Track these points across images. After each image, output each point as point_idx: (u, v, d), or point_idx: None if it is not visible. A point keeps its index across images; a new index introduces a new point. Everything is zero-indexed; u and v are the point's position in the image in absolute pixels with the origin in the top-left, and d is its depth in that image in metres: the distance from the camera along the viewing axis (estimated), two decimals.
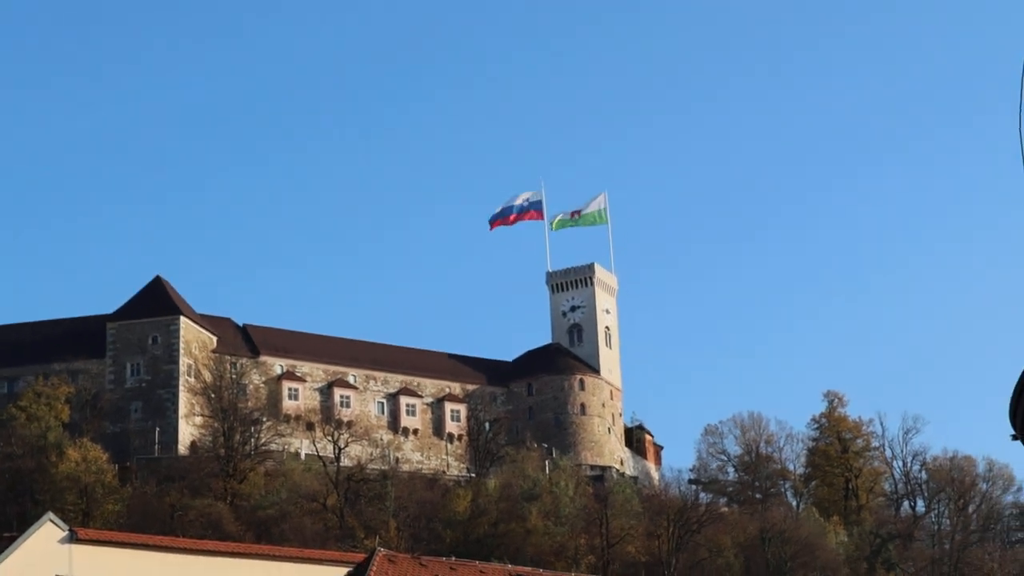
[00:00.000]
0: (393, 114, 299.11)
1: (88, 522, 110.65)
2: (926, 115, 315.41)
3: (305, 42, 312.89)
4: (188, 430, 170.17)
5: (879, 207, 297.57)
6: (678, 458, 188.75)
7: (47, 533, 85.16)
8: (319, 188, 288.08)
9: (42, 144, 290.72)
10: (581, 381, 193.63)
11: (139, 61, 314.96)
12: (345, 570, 77.92)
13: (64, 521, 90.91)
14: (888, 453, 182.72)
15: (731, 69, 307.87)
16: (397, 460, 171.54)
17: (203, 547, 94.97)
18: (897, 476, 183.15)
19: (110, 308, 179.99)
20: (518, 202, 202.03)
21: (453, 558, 74.03)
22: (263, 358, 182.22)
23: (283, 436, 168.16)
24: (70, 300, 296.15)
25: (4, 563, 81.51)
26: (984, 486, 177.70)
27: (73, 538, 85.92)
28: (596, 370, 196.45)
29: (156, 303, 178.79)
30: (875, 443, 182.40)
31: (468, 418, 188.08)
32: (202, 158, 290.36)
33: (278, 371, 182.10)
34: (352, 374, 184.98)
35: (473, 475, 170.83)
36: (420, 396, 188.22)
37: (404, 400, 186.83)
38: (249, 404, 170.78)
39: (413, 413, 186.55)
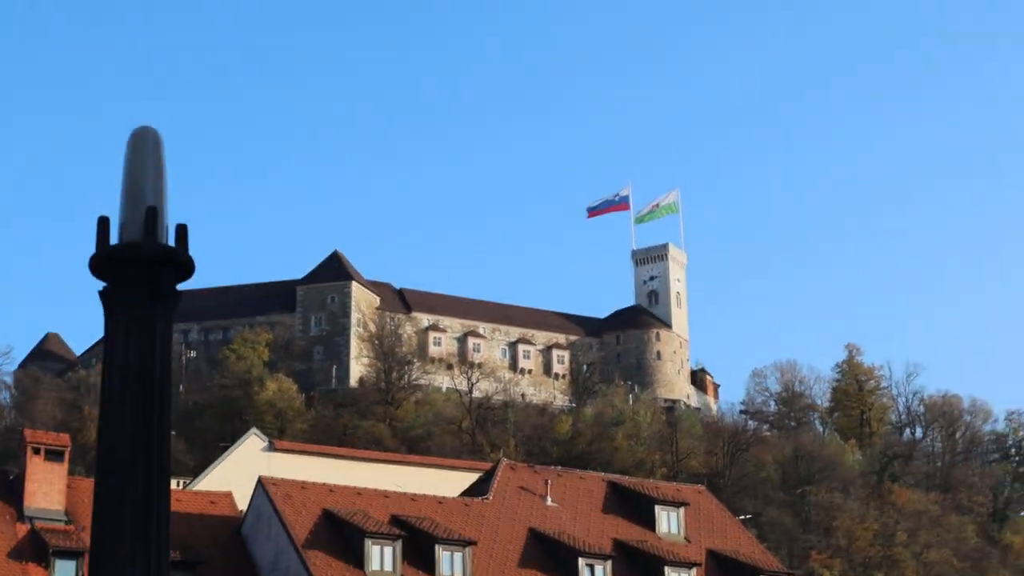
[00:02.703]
0: (521, 121, 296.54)
1: (282, 437, 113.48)
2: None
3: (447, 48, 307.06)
4: (357, 368, 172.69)
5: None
6: (732, 394, 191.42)
7: (252, 444, 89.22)
8: (458, 181, 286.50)
9: (252, 140, 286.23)
10: (657, 334, 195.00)
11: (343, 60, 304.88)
12: (477, 475, 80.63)
13: (264, 435, 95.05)
14: (894, 391, 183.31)
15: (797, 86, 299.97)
16: (516, 393, 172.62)
17: (367, 456, 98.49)
18: (900, 410, 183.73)
19: (299, 275, 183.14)
20: (613, 196, 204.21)
21: (559, 467, 76.39)
22: (414, 314, 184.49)
23: (429, 374, 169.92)
24: (269, 267, 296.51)
25: (221, 464, 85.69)
26: (968, 418, 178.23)
27: (271, 448, 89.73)
28: (669, 325, 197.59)
29: (334, 271, 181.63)
30: (884, 384, 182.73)
31: (570, 361, 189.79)
32: (367, 155, 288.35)
33: (425, 324, 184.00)
34: (482, 327, 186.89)
35: (573, 405, 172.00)
36: (533, 344, 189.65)
37: (521, 347, 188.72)
38: (403, 349, 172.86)
39: (528, 357, 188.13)
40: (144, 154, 6.77)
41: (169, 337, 6.56)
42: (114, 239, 6.57)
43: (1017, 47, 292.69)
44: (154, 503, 6.23)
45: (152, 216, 6.52)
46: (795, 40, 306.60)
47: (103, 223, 6.56)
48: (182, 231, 6.67)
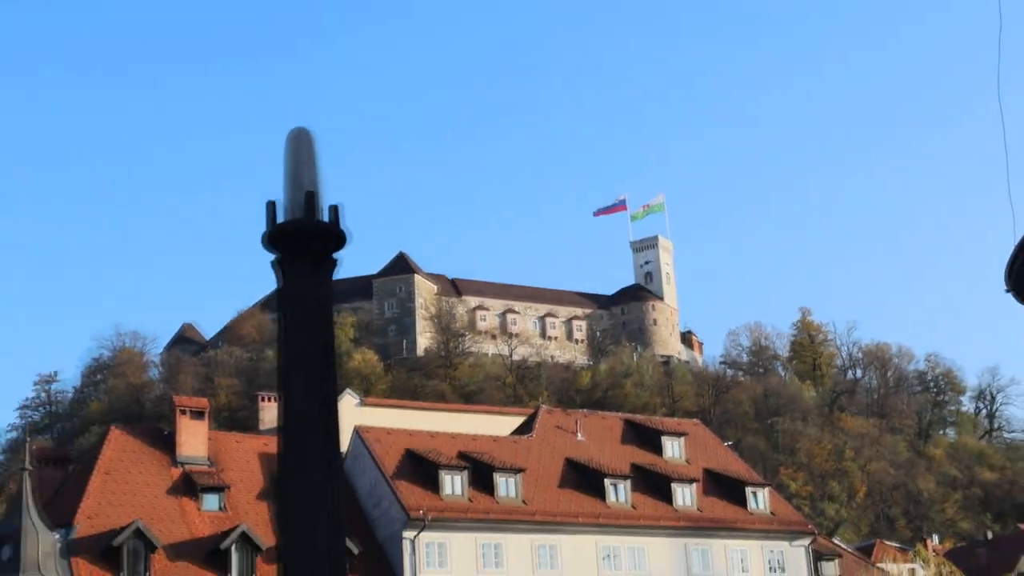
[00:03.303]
0: (542, 121, 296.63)
1: (367, 396, 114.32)
2: None
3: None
4: (422, 341, 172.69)
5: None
6: (713, 349, 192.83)
7: (347, 401, 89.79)
8: (492, 187, 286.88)
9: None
10: (653, 305, 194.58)
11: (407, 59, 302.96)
12: (519, 419, 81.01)
13: (356, 394, 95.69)
14: (838, 342, 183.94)
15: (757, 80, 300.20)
16: (546, 355, 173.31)
17: (435, 407, 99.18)
18: (844, 356, 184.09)
19: (375, 270, 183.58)
20: (615, 201, 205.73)
21: (584, 410, 76.69)
22: (464, 297, 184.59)
23: (478, 343, 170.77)
24: (353, 265, 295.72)
25: None
26: (896, 360, 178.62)
27: (362, 403, 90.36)
28: (661, 298, 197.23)
29: (401, 267, 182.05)
30: (830, 337, 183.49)
31: (587, 329, 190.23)
32: (419, 166, 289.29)
33: (473, 305, 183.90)
34: (517, 305, 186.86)
35: (591, 363, 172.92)
36: (557, 317, 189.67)
37: (548, 319, 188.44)
38: (457, 325, 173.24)
39: (554, 327, 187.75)
40: (302, 149, 6.89)
41: (330, 294, 6.74)
42: (280, 219, 6.69)
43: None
44: (327, 417, 6.35)
45: (311, 199, 6.69)
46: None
47: (271, 206, 6.72)
48: (335, 210, 6.81)
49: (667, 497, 58.89)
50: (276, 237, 6.65)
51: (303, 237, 6.62)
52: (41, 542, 45.58)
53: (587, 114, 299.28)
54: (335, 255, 6.79)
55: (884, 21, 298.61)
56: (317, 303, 6.61)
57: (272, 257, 6.73)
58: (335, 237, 6.73)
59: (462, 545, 53.04)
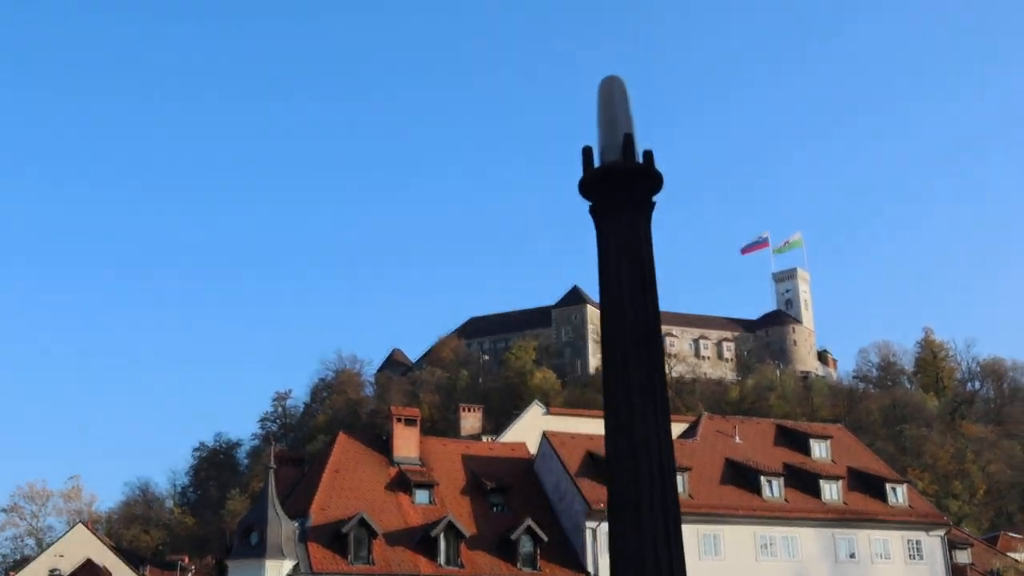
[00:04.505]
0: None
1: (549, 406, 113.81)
2: None
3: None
4: (594, 362, 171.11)
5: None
6: (846, 365, 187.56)
7: (535, 410, 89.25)
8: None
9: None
10: (792, 328, 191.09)
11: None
12: (682, 426, 79.48)
13: (542, 405, 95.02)
14: (958, 358, 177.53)
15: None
16: (700, 372, 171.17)
17: (602, 415, 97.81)
18: (963, 370, 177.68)
19: (552, 301, 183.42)
20: (757, 238, 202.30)
21: (740, 416, 74.92)
22: None
23: None
24: (533, 297, 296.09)
25: (516, 425, 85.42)
26: (1011, 373, 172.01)
27: (547, 412, 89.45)
28: (800, 322, 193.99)
29: (575, 299, 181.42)
30: (951, 352, 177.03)
31: (735, 349, 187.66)
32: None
33: None
34: (674, 329, 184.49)
35: (739, 378, 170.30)
36: (709, 338, 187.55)
37: (701, 341, 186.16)
38: None
39: (706, 348, 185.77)
40: (615, 94, 5.96)
41: (649, 237, 5.69)
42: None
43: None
44: (654, 364, 5.42)
45: (629, 141, 5.71)
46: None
47: (587, 152, 5.78)
48: (648, 155, 5.82)
49: (816, 492, 56.92)
50: (595, 180, 5.75)
51: (625, 178, 5.69)
52: (283, 530, 45.80)
53: (729, 156, 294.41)
54: (653, 199, 5.83)
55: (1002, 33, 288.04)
56: (640, 246, 5.64)
57: (589, 205, 5.86)
58: (654, 179, 5.79)
59: None
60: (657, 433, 5.36)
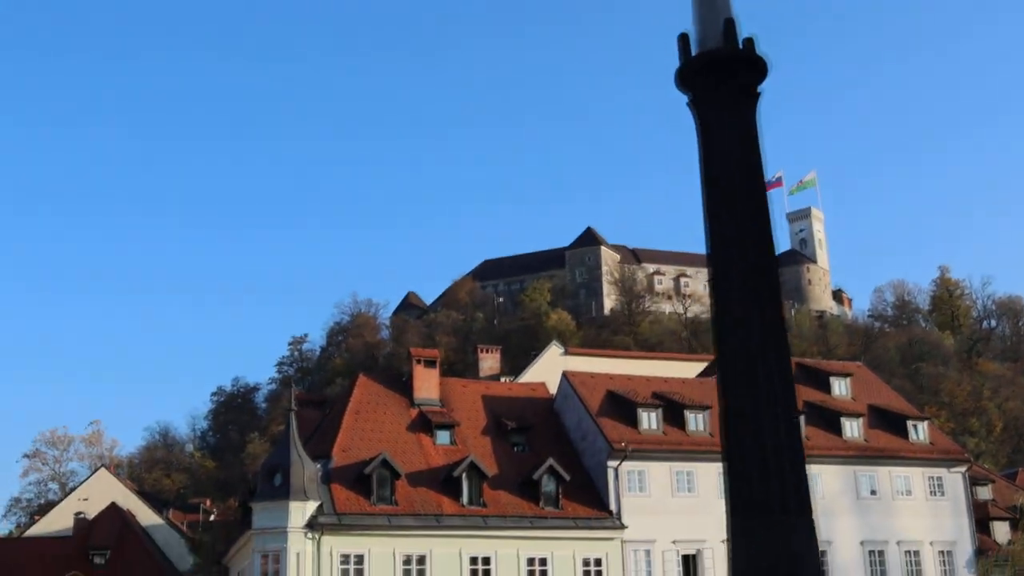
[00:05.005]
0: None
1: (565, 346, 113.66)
2: None
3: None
4: (608, 303, 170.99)
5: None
6: (861, 304, 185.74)
7: (553, 350, 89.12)
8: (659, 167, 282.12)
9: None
10: (807, 268, 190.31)
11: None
12: (700, 365, 79.41)
13: (561, 345, 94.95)
14: (974, 296, 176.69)
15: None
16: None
17: (626, 355, 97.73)
18: (979, 308, 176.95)
19: (566, 243, 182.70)
20: (771, 178, 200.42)
21: None
22: (644, 264, 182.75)
23: (656, 303, 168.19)
24: (548, 239, 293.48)
25: (535, 365, 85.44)
26: None
27: (566, 352, 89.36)
28: (815, 261, 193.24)
29: (589, 240, 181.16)
30: (966, 291, 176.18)
31: None
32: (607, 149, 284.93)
33: (651, 270, 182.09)
34: (688, 270, 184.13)
35: None
36: None
37: None
38: (637, 288, 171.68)
39: None
40: None
41: (755, 129, 5.11)
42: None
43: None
44: (765, 263, 4.94)
45: (731, 25, 5.16)
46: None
47: (683, 38, 5.20)
48: (750, 42, 5.24)
49: (837, 430, 56.72)
50: (694, 68, 5.19)
51: (727, 65, 5.16)
52: (306, 471, 45.83)
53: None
54: (759, 89, 5.27)
55: None
56: (746, 137, 5.10)
57: (687, 98, 5.30)
58: (758, 66, 5.24)
59: (658, 472, 51.87)
60: (781, 372, 4.81)
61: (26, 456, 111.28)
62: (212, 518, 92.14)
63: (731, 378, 5.08)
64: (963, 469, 58.54)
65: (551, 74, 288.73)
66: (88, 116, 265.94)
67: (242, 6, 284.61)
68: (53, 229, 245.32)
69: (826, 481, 54.41)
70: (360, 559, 45.79)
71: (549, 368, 75.97)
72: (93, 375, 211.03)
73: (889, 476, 56.40)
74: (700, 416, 53.94)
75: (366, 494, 47.20)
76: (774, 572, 4.50)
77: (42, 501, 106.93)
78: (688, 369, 77.51)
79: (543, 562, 48.52)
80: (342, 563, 45.46)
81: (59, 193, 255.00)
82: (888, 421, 59.14)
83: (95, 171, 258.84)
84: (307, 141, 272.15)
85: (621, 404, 54.18)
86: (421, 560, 46.70)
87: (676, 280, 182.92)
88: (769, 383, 4.82)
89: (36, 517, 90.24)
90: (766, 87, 5.11)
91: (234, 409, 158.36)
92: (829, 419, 56.99)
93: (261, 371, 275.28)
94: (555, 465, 50.02)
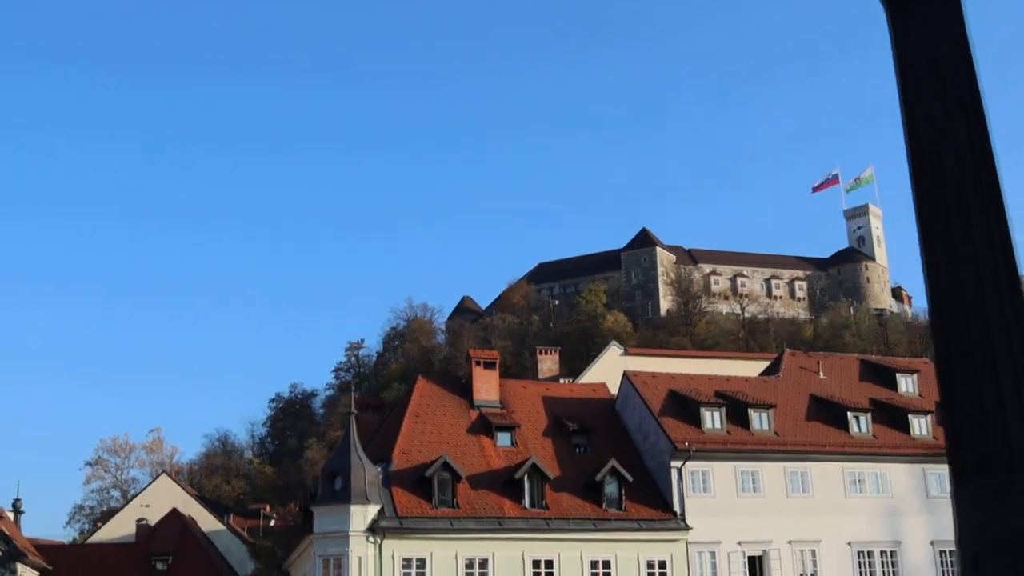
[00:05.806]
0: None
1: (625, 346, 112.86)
2: None
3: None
4: (664, 304, 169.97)
5: None
6: (922, 301, 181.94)
7: (612, 351, 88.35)
8: (716, 162, 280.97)
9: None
10: (866, 265, 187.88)
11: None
12: (761, 364, 78.17)
13: (620, 345, 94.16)
14: None
15: None
16: (773, 312, 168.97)
17: (686, 354, 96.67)
18: None
19: (621, 244, 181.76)
20: (827, 176, 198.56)
21: (824, 352, 73.22)
22: (700, 265, 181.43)
23: (712, 304, 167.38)
24: (603, 241, 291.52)
25: (597, 365, 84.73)
26: None
27: (626, 352, 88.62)
28: (873, 259, 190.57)
29: (644, 241, 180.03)
30: None
31: (808, 287, 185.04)
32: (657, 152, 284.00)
33: (707, 271, 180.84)
34: (746, 270, 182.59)
35: (812, 316, 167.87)
36: (781, 278, 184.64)
37: (773, 280, 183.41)
38: (694, 288, 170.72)
39: (779, 287, 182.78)
40: None
41: (963, 28, 4.11)
42: None
43: None
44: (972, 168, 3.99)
45: None
46: None
47: None
48: None
49: (904, 428, 55.42)
50: None
51: None
52: (367, 474, 45.43)
53: (800, 100, 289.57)
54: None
55: None
56: (946, 42, 4.11)
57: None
58: None
59: (723, 472, 50.90)
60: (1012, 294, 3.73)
61: (89, 464, 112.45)
62: (272, 523, 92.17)
63: (949, 306, 3.84)
64: None
65: (602, 88, 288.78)
66: (154, 144, 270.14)
67: (298, 37, 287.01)
68: (124, 253, 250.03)
69: (895, 479, 53.36)
70: (422, 563, 45.28)
71: (608, 369, 75.26)
72: (154, 384, 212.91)
73: None
74: (764, 415, 52.99)
75: (427, 497, 46.68)
76: (1013, 547, 3.41)
77: (105, 508, 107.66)
78: (749, 368, 76.55)
79: (607, 565, 47.75)
80: (404, 567, 44.97)
81: (132, 221, 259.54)
82: None
83: (165, 198, 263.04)
84: (363, 166, 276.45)
85: (683, 404, 53.34)
86: (484, 564, 46.09)
87: (733, 280, 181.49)
88: (1001, 318, 3.62)
89: (99, 524, 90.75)
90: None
91: (292, 415, 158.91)
92: (896, 417, 55.77)
93: (318, 377, 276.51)
94: (618, 466, 49.23)
